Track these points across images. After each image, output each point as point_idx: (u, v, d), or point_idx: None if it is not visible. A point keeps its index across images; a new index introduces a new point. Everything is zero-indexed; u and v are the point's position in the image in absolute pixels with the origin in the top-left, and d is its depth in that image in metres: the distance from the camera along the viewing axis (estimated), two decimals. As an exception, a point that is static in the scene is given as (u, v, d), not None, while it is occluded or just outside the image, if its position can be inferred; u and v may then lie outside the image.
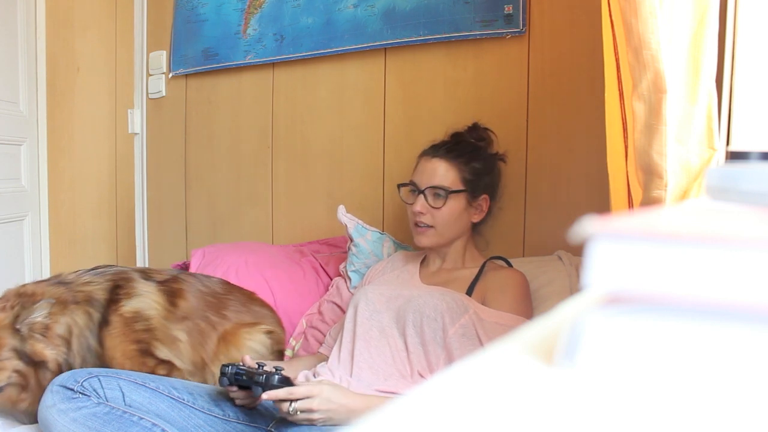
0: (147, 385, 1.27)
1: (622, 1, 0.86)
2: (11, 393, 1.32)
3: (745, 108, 1.02)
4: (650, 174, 0.88)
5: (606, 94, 1.10)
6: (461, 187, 1.51)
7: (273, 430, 1.27)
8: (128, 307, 1.41)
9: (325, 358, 1.47)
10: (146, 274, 1.52)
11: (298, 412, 1.13)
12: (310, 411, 1.14)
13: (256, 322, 1.55)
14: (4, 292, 1.39)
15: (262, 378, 1.15)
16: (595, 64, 1.32)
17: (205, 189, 2.38)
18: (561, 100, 1.70)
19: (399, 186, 1.63)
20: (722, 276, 0.28)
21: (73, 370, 1.27)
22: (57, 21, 2.27)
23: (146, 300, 1.44)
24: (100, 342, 1.38)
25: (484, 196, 1.56)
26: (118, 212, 2.52)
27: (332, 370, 1.38)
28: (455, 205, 1.50)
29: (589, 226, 0.30)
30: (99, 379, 1.24)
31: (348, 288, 1.74)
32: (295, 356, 1.68)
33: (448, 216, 1.50)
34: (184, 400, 1.28)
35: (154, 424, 1.21)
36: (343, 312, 1.62)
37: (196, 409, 1.28)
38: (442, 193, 1.49)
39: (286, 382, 1.17)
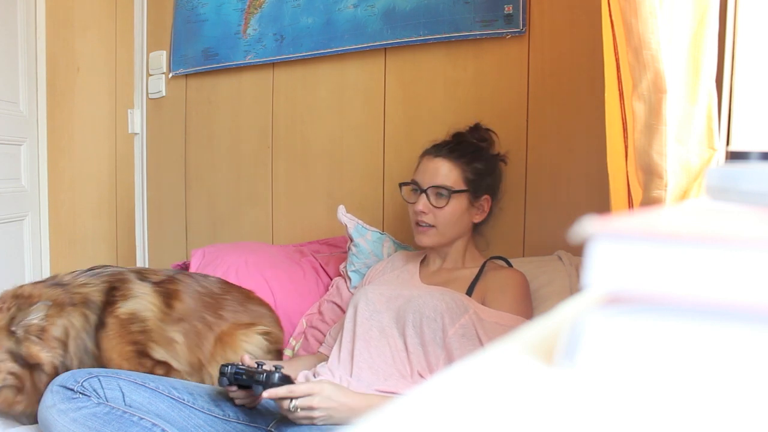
0: (147, 385, 1.27)
1: (622, 1, 0.86)
2: (7, 395, 1.32)
3: (745, 108, 1.02)
4: (650, 174, 0.88)
5: (606, 94, 1.10)
6: (463, 187, 1.51)
7: (273, 430, 1.27)
8: (124, 308, 1.40)
9: (325, 358, 1.47)
10: (142, 274, 1.51)
11: (299, 410, 1.14)
12: (311, 409, 1.14)
13: (252, 323, 1.55)
14: (0, 294, 1.38)
15: (263, 376, 1.15)
16: (595, 64, 1.32)
17: (205, 189, 2.37)
18: (561, 100, 1.70)
19: (401, 185, 1.63)
20: (722, 276, 0.28)
21: (72, 370, 1.27)
22: (57, 21, 2.27)
23: (142, 302, 1.43)
24: (97, 344, 1.37)
25: (486, 196, 1.56)
26: (118, 212, 2.52)
27: (332, 370, 1.38)
28: (457, 205, 1.50)
29: (589, 226, 0.30)
30: (99, 379, 1.24)
31: (348, 288, 1.75)
32: (295, 356, 1.68)
33: (450, 216, 1.50)
34: (184, 400, 1.28)
35: (154, 424, 1.21)
36: (343, 312, 1.62)
37: (196, 409, 1.28)
38: (445, 192, 1.49)
39: (287, 380, 1.17)
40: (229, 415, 1.29)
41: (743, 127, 1.01)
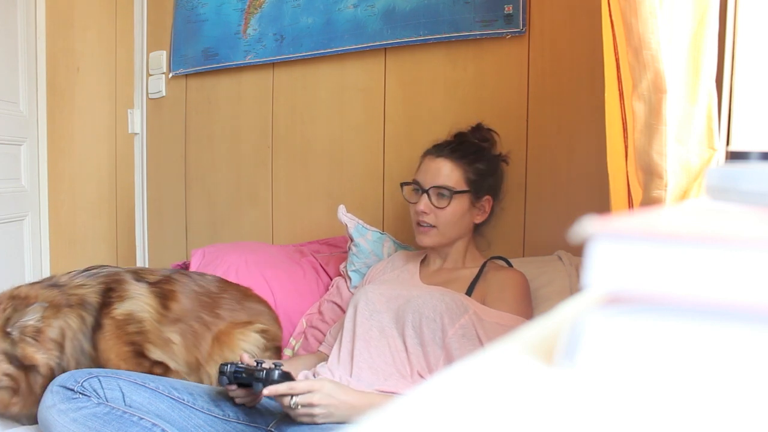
0: (147, 385, 1.27)
1: (622, 1, 0.86)
2: (2, 396, 1.31)
3: (745, 108, 1.02)
4: (650, 174, 0.88)
5: (606, 94, 1.10)
6: (465, 188, 1.51)
7: (273, 429, 1.27)
8: (120, 309, 1.40)
9: (325, 357, 1.47)
10: (138, 275, 1.51)
11: (299, 407, 1.14)
12: (311, 405, 1.14)
13: (249, 321, 1.54)
14: None
15: (262, 374, 1.15)
16: (595, 64, 1.32)
17: (205, 189, 2.37)
18: (561, 100, 1.70)
19: (402, 185, 1.63)
20: (722, 276, 0.28)
21: (72, 371, 1.27)
22: (57, 21, 2.27)
23: (138, 303, 1.43)
24: (94, 345, 1.37)
25: (487, 197, 1.56)
26: (118, 212, 2.52)
27: (332, 370, 1.38)
28: (459, 205, 1.50)
29: (589, 226, 0.30)
30: (99, 380, 1.24)
31: (348, 288, 1.75)
32: (295, 355, 1.68)
33: (451, 216, 1.50)
34: (184, 400, 1.28)
35: (154, 425, 1.21)
36: (343, 312, 1.62)
37: (196, 409, 1.28)
38: (446, 193, 1.49)
39: (287, 377, 1.17)
40: (229, 415, 1.29)
41: (743, 127, 1.01)
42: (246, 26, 2.20)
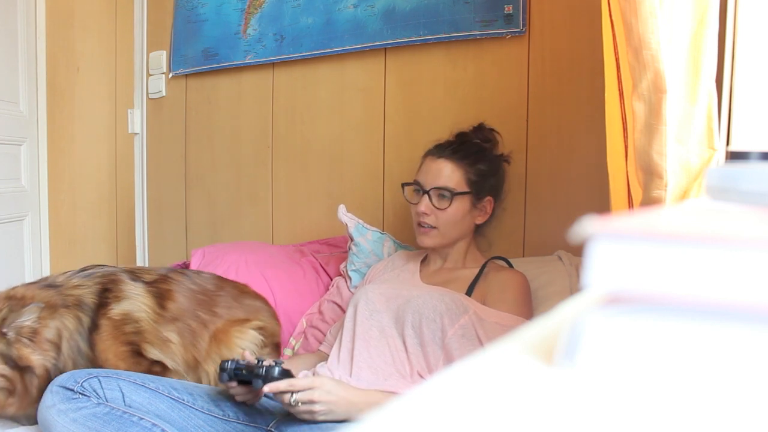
0: (147, 385, 1.27)
1: (622, 1, 0.86)
2: None
3: (745, 108, 1.02)
4: (650, 174, 0.88)
5: (606, 94, 1.10)
6: (466, 189, 1.51)
7: (273, 429, 1.27)
8: (117, 310, 1.40)
9: (326, 357, 1.47)
10: (135, 274, 1.50)
11: (300, 404, 1.14)
12: (312, 402, 1.14)
13: (247, 318, 1.54)
14: None
15: (262, 370, 1.15)
16: (595, 64, 1.32)
17: (205, 189, 2.38)
18: (561, 100, 1.70)
19: (403, 185, 1.63)
20: (722, 276, 0.28)
21: (72, 371, 1.27)
22: (57, 21, 2.27)
23: (135, 303, 1.43)
24: (91, 346, 1.37)
25: (489, 198, 1.56)
26: (118, 212, 2.52)
27: (332, 369, 1.38)
28: (459, 206, 1.50)
29: (589, 226, 0.30)
30: (99, 380, 1.24)
31: (348, 287, 1.75)
32: (295, 355, 1.68)
33: (452, 217, 1.50)
34: (184, 400, 1.28)
35: (154, 425, 1.21)
36: (344, 311, 1.62)
37: (195, 409, 1.28)
38: (447, 194, 1.49)
39: (287, 374, 1.17)
40: (229, 415, 1.29)
41: (743, 127, 1.01)
42: (246, 26, 2.20)
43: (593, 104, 1.42)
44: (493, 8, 1.75)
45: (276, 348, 1.59)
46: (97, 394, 1.22)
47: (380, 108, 1.98)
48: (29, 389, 1.29)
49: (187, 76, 2.38)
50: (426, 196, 1.51)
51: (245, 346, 1.47)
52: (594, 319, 0.31)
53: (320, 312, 1.75)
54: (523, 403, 0.28)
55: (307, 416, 1.16)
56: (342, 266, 1.81)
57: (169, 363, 1.42)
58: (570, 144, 1.69)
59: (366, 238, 1.77)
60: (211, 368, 1.45)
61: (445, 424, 0.26)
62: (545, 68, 1.72)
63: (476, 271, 1.49)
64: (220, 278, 1.63)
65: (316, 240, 2.07)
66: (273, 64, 2.18)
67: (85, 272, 1.47)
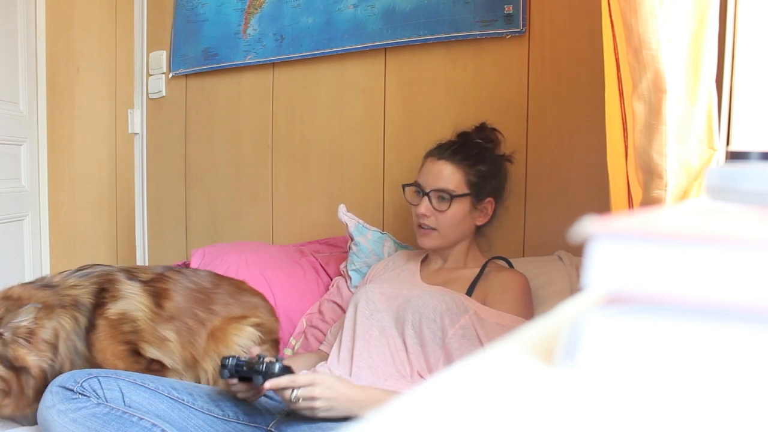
0: (146, 385, 1.27)
1: (622, 1, 0.86)
2: None
3: (745, 108, 1.02)
4: (650, 174, 0.88)
5: (606, 94, 1.10)
6: (466, 191, 1.50)
7: (273, 429, 1.27)
8: (114, 309, 1.40)
9: (326, 356, 1.47)
10: (131, 273, 1.50)
11: (300, 400, 1.14)
12: (312, 398, 1.14)
13: (244, 315, 1.54)
14: None
15: (263, 366, 1.15)
16: (595, 64, 1.32)
17: (205, 189, 2.38)
18: (561, 100, 1.70)
19: (404, 186, 1.62)
20: (722, 276, 0.28)
21: (72, 371, 1.27)
22: (57, 21, 2.27)
23: (132, 302, 1.42)
24: (89, 346, 1.37)
25: (489, 199, 1.55)
26: (117, 212, 2.52)
27: (332, 369, 1.38)
28: (459, 208, 1.50)
29: (589, 226, 0.30)
30: (98, 380, 1.24)
31: (348, 287, 1.75)
32: (295, 354, 1.68)
33: (452, 219, 1.49)
34: (183, 400, 1.28)
35: (153, 425, 1.21)
36: (344, 311, 1.62)
37: (195, 409, 1.28)
38: (447, 196, 1.48)
39: (288, 370, 1.17)
40: (228, 415, 1.29)
41: (743, 127, 1.01)
42: (246, 26, 2.20)
43: (593, 104, 1.42)
44: (493, 8, 1.75)
45: (275, 344, 1.58)
46: (97, 394, 1.22)
47: (380, 108, 1.98)
48: (25, 390, 1.29)
49: (187, 76, 2.38)
50: (426, 197, 1.50)
51: (243, 344, 1.47)
52: (594, 319, 0.31)
53: (320, 312, 1.75)
54: (523, 403, 0.28)
55: (307, 412, 1.16)
56: (342, 266, 1.81)
57: (167, 361, 1.42)
58: (570, 144, 1.69)
59: (366, 237, 1.77)
60: (210, 366, 1.45)
61: (445, 424, 0.26)
62: (545, 68, 1.72)
63: (477, 271, 1.49)
64: (217, 275, 1.63)
65: (316, 240, 2.07)
66: (273, 64, 2.18)
67: (82, 272, 1.46)
